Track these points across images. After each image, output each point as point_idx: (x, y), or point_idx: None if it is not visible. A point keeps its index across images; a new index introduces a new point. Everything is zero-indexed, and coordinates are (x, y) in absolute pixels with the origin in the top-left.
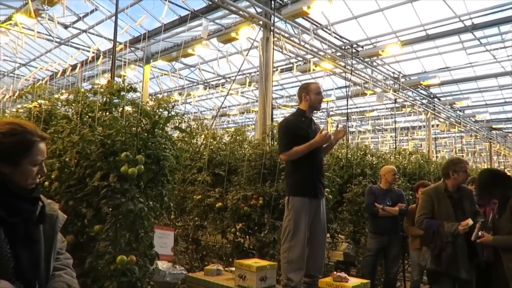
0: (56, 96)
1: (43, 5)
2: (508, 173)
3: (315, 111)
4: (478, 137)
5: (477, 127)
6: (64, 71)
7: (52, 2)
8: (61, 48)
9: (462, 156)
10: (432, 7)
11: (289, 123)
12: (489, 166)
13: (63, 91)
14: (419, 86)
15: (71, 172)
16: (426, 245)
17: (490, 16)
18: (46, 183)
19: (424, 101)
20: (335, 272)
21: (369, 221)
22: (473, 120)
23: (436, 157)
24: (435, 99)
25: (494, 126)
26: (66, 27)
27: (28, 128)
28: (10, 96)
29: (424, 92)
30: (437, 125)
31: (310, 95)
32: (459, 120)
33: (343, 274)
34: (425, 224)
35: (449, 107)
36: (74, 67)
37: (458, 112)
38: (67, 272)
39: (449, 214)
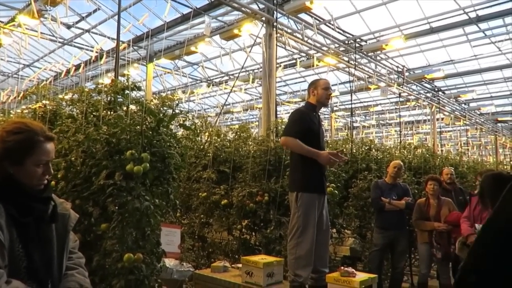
0: (60, 96)
1: (46, 6)
2: None
3: (322, 107)
4: (484, 130)
5: (482, 120)
6: (67, 71)
7: (55, 2)
8: (65, 48)
9: (468, 149)
10: None
11: (304, 114)
12: (494, 160)
13: (67, 91)
14: (423, 79)
15: (77, 171)
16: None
17: (495, 7)
18: (53, 182)
19: (428, 94)
20: (342, 267)
21: (375, 215)
22: (478, 113)
23: (441, 151)
24: (440, 93)
25: (499, 119)
26: (69, 27)
27: (33, 127)
28: (14, 97)
29: (429, 86)
30: (442, 119)
31: (318, 90)
32: (464, 113)
33: (350, 269)
34: None
35: (453, 100)
36: (77, 67)
37: (463, 105)
38: (79, 272)
39: None
